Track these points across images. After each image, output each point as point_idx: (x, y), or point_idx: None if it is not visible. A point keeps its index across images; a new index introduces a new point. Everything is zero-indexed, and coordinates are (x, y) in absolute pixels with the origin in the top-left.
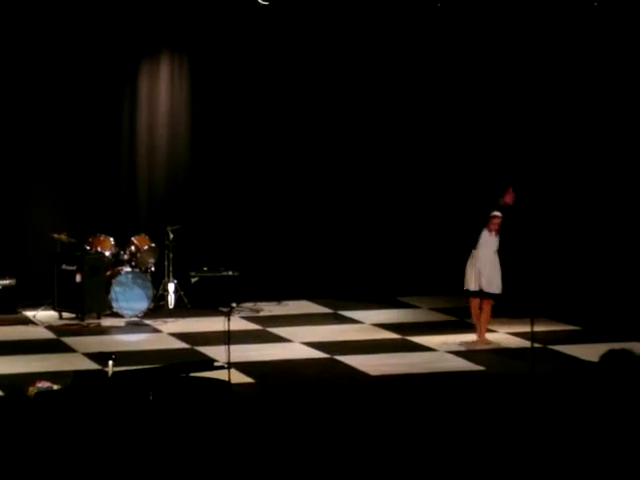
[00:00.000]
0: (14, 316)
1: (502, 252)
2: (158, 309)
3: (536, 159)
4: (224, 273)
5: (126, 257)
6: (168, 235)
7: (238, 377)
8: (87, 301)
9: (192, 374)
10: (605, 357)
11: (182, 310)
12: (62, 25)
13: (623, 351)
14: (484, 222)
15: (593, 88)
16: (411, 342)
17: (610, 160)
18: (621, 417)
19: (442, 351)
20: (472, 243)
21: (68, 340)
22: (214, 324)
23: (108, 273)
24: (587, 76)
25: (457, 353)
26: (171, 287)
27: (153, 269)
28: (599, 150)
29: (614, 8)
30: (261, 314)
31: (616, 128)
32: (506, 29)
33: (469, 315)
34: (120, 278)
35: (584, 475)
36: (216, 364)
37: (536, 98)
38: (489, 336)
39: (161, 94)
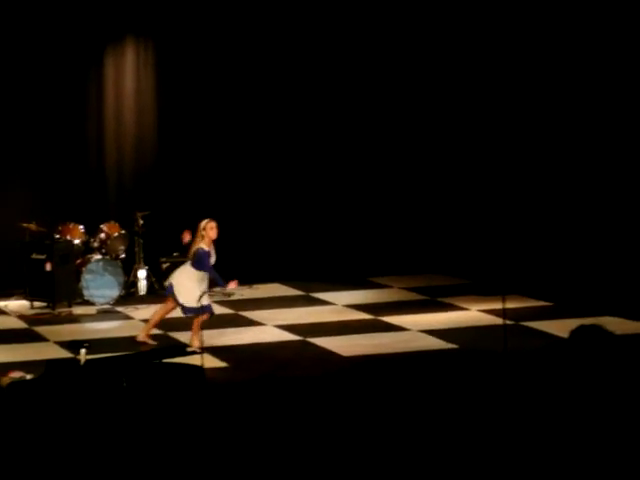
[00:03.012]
0: None
1: (469, 229)
2: (129, 296)
3: (501, 138)
4: None
5: (96, 245)
6: (137, 221)
7: (211, 362)
8: (58, 290)
9: (165, 360)
10: (575, 333)
11: (154, 296)
12: (27, 12)
13: (593, 326)
14: None
15: (572, 82)
16: (383, 322)
17: (580, 139)
18: (592, 393)
19: (414, 330)
20: (444, 222)
21: (40, 329)
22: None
23: (78, 261)
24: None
25: (430, 332)
26: (142, 274)
27: (123, 256)
28: (571, 130)
29: (612, 7)
30: (233, 298)
31: (581, 112)
32: (500, 27)
33: (440, 294)
34: (91, 266)
35: (557, 451)
36: (189, 349)
37: (522, 92)
38: (458, 314)
39: (127, 80)
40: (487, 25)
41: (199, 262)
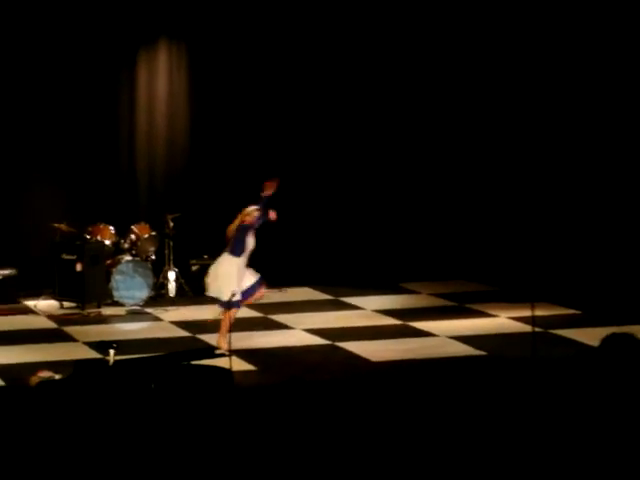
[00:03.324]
0: (15, 306)
1: (499, 236)
2: (159, 297)
3: (532, 144)
4: None
5: (126, 246)
6: (168, 223)
7: (239, 364)
8: (88, 290)
9: (193, 362)
10: (607, 341)
11: (183, 298)
12: (60, 13)
13: (625, 335)
14: None
15: (590, 81)
16: (412, 328)
17: (605, 144)
18: (623, 400)
19: (443, 336)
20: (474, 229)
21: (69, 329)
22: (215, 312)
23: (108, 262)
24: (585, 71)
25: (458, 338)
26: (172, 275)
27: (153, 257)
28: (594, 134)
29: (614, 7)
30: (262, 301)
31: (606, 113)
32: (505, 26)
33: (469, 300)
34: (121, 267)
35: (586, 459)
36: (217, 352)
37: (535, 89)
38: (486, 321)
39: (160, 82)
40: (488, 25)
41: (239, 237)
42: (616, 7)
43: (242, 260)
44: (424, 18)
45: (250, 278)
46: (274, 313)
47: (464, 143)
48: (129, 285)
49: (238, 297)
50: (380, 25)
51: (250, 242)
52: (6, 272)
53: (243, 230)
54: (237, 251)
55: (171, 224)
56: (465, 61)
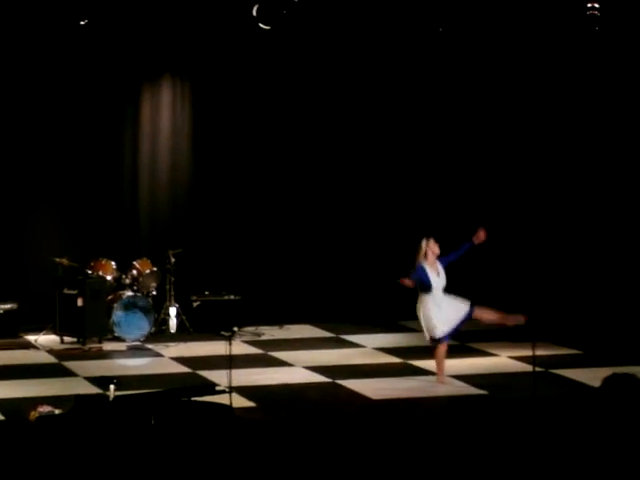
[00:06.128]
0: (15, 340)
1: (501, 275)
2: (160, 333)
3: (534, 176)
4: (226, 297)
5: (128, 281)
6: (170, 259)
7: (240, 401)
8: (88, 325)
9: (194, 398)
10: (608, 381)
11: (184, 334)
12: (65, 49)
13: (626, 375)
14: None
15: (590, 96)
16: (413, 366)
17: (610, 180)
18: (624, 441)
19: (444, 375)
20: (473, 268)
21: (69, 364)
22: (216, 348)
23: (110, 297)
24: (584, 84)
25: (459, 377)
26: (173, 311)
27: (155, 293)
28: (598, 168)
29: (613, 16)
30: (263, 338)
31: (615, 148)
32: (504, 39)
33: (470, 339)
34: (122, 302)
35: None
36: (218, 388)
37: (532, 109)
38: (487, 360)
39: (163, 119)
40: (490, 30)
41: (415, 277)
42: (616, 9)
43: (431, 298)
44: (429, 22)
45: (455, 311)
46: (274, 350)
47: (468, 176)
48: (130, 320)
49: (439, 333)
50: (383, 45)
51: (438, 278)
52: (7, 306)
53: (416, 270)
54: (420, 287)
55: (172, 260)
56: (479, 81)
